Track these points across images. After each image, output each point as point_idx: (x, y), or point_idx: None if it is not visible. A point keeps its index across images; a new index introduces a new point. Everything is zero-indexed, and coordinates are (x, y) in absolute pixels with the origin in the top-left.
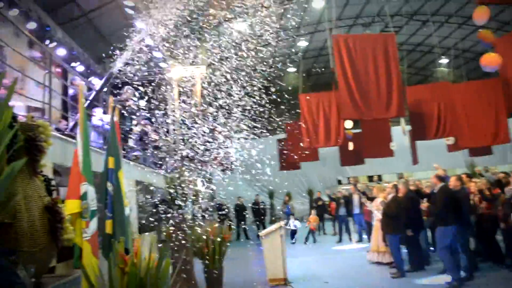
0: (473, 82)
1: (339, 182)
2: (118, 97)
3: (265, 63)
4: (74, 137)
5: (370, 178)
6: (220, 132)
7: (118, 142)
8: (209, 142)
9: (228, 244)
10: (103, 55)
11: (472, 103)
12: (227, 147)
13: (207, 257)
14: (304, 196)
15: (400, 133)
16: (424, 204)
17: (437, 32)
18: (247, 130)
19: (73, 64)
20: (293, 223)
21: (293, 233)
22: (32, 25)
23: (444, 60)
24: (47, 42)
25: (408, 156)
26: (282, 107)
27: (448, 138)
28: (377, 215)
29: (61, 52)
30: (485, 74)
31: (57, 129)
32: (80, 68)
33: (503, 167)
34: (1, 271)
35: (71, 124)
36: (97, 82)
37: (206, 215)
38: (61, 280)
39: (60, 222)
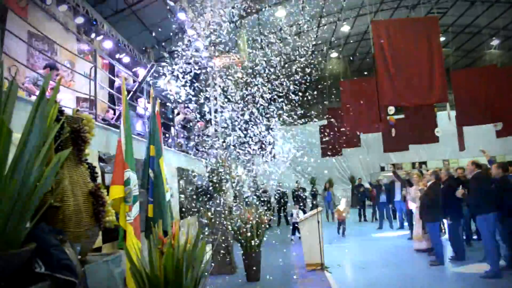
0: None
1: (382, 169)
2: (160, 87)
3: (306, 49)
4: (118, 127)
5: (414, 165)
6: (262, 119)
7: (159, 131)
8: (251, 129)
9: (267, 228)
10: (147, 46)
11: None
12: (270, 134)
13: (246, 241)
14: (346, 182)
15: (445, 119)
16: (460, 191)
17: (486, 12)
18: (289, 117)
19: (118, 55)
20: (297, 213)
21: (294, 227)
22: (79, 19)
23: (494, 42)
24: (94, 35)
25: (454, 142)
26: (324, 93)
27: (496, 124)
28: (416, 203)
29: (108, 44)
30: None
31: (104, 120)
32: (126, 59)
33: None
34: (53, 248)
35: (117, 114)
36: (142, 73)
37: (248, 201)
38: (104, 258)
39: (102, 206)
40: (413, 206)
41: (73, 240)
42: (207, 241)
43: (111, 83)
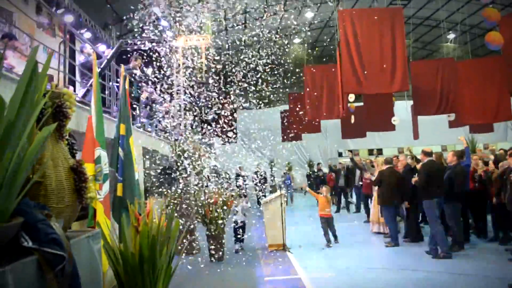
0: (477, 59)
1: (340, 155)
2: (127, 65)
3: (270, 33)
4: (86, 104)
5: (370, 152)
6: (224, 104)
7: (129, 110)
8: (212, 112)
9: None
10: (109, 22)
11: (475, 80)
12: (231, 118)
13: (210, 222)
14: (304, 167)
15: (402, 108)
16: (414, 179)
17: (445, 6)
18: (250, 101)
19: (79, 31)
20: (242, 208)
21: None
22: None
23: (451, 36)
24: (54, 8)
25: (409, 131)
26: (287, 78)
27: (450, 114)
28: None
29: (69, 19)
30: (492, 51)
31: None
32: (87, 35)
33: (503, 144)
34: (39, 222)
35: (79, 91)
36: (103, 49)
37: (210, 183)
38: (85, 234)
39: (84, 182)
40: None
41: (56, 216)
42: None
43: (72, 59)
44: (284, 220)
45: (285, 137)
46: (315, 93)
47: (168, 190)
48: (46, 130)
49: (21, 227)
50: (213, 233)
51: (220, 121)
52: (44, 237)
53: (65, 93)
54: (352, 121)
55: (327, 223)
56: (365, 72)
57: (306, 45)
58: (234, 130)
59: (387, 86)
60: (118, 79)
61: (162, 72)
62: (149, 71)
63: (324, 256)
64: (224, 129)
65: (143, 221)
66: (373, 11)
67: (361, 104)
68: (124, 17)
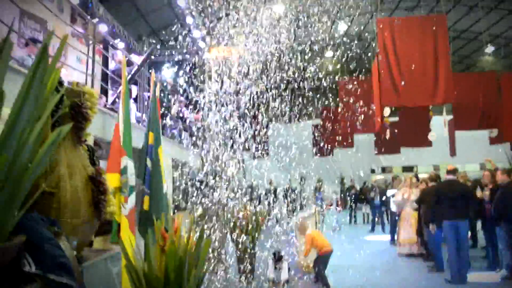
0: None
1: (372, 171)
2: (159, 74)
3: (302, 46)
4: (115, 111)
5: (404, 169)
6: (256, 116)
7: (159, 118)
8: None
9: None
10: (142, 33)
11: None
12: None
13: (240, 240)
14: (336, 183)
15: (438, 124)
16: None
17: (485, 18)
18: (283, 114)
19: (112, 42)
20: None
21: None
22: (75, 0)
23: (489, 49)
24: (89, 17)
25: (445, 148)
26: (319, 91)
27: (492, 130)
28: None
29: (103, 28)
30: None
31: None
32: (121, 45)
33: None
34: (46, 242)
35: (110, 99)
36: (136, 59)
37: (239, 198)
38: (101, 255)
39: (103, 194)
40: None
41: (69, 234)
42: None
43: (105, 67)
44: None
45: (316, 152)
46: (349, 107)
47: (197, 205)
48: (58, 131)
49: (25, 247)
50: (242, 252)
51: (253, 134)
52: (50, 261)
53: (86, 92)
54: (388, 136)
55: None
56: (405, 83)
57: (338, 57)
58: (266, 145)
59: (429, 99)
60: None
61: (194, 82)
62: (180, 81)
63: (373, 284)
64: (256, 143)
65: (170, 239)
66: (414, 19)
67: (397, 119)
68: (156, 30)
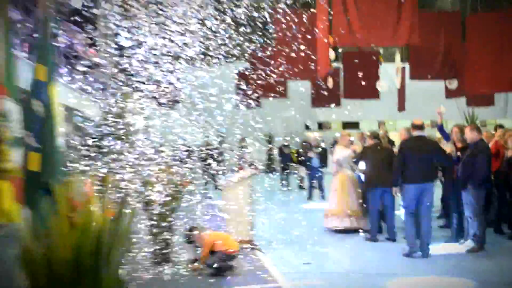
0: (491, 13)
1: (307, 128)
2: None
3: None
4: None
5: (345, 125)
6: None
7: (52, 47)
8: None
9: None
10: None
11: (488, 39)
12: (172, 75)
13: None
14: (263, 142)
15: (388, 72)
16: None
17: None
18: (199, 55)
19: None
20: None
21: None
22: None
23: None
24: None
25: (392, 101)
26: (247, 27)
27: (450, 81)
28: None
29: None
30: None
31: None
32: None
33: (503, 122)
34: None
35: None
36: None
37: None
38: None
39: None
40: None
41: None
42: None
43: None
44: (251, 208)
45: (241, 103)
46: (287, 47)
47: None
48: None
49: None
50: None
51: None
52: None
53: None
54: (330, 85)
55: None
56: (362, 19)
57: None
58: (178, 93)
59: (390, 39)
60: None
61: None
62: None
63: (306, 256)
64: (163, 91)
65: (82, 211)
66: None
67: (340, 65)
68: None
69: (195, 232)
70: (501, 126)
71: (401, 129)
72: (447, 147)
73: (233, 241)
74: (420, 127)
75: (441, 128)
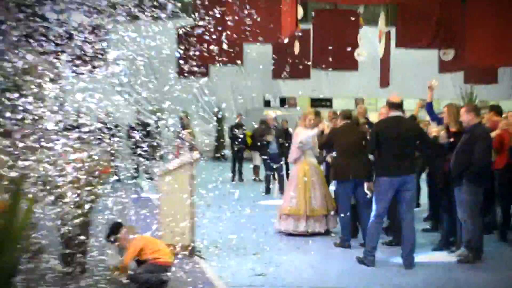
0: None
1: (267, 104)
2: None
3: None
4: None
5: (313, 102)
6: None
7: None
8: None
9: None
10: None
11: (492, 5)
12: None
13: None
14: (211, 120)
15: (370, 37)
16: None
17: None
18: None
19: None
20: None
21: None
22: None
23: None
24: None
25: (373, 75)
26: None
27: (445, 51)
28: None
29: None
30: None
31: None
32: None
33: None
34: None
35: None
36: None
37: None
38: None
39: None
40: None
41: None
42: None
43: None
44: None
45: (182, 70)
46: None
47: None
48: None
49: None
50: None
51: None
52: None
53: None
54: (297, 50)
55: None
56: None
57: None
58: (102, 55)
59: None
60: None
61: None
62: None
63: (259, 265)
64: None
65: None
66: None
67: (309, 26)
68: None
69: (121, 230)
70: (496, 108)
71: (382, 108)
72: (435, 130)
73: (167, 249)
74: (398, 105)
75: (429, 107)
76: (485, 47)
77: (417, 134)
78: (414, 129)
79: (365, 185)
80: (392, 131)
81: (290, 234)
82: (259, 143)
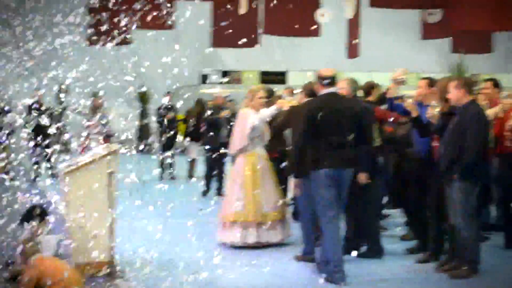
0: None
1: (204, 80)
2: None
3: None
4: None
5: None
6: None
7: None
8: None
9: None
10: None
11: None
12: None
13: None
14: (133, 102)
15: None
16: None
17: None
18: None
19: None
20: None
21: None
22: None
23: None
24: None
25: (339, 43)
26: None
27: (432, 12)
28: None
29: None
30: None
31: None
32: None
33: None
34: None
35: None
36: None
37: None
38: None
39: None
40: None
41: None
42: None
43: None
44: (112, 210)
45: (94, 37)
46: None
47: None
48: None
49: None
50: None
51: None
52: None
53: None
54: (243, 11)
55: None
56: None
57: None
58: None
59: None
60: None
61: None
62: None
63: (195, 285)
64: None
65: None
66: None
67: None
68: None
69: (19, 251)
70: (494, 80)
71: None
72: (409, 104)
73: (75, 275)
74: (331, 79)
75: (391, 103)
76: (478, 9)
77: (359, 113)
78: (353, 107)
79: (292, 182)
80: (327, 112)
81: (237, 247)
82: (201, 129)
